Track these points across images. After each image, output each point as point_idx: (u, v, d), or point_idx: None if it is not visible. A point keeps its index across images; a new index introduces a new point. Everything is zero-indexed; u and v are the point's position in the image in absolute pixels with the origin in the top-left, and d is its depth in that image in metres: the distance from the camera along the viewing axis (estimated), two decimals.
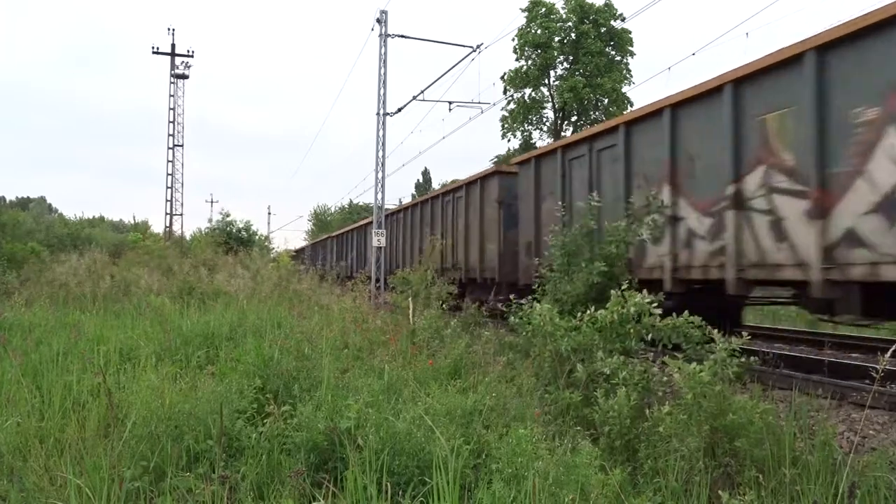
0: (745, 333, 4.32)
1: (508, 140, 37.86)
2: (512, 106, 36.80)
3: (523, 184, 12.36)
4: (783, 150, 6.56)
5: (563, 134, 35.36)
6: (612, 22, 34.68)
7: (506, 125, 37.22)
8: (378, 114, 21.11)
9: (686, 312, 5.02)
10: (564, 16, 34.90)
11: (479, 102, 22.83)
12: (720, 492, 3.22)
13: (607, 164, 9.35)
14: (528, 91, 36.43)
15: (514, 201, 12.89)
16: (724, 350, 4.05)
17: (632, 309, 5.15)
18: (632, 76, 35.55)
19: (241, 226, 29.19)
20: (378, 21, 20.75)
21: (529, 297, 6.99)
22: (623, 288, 5.33)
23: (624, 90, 34.74)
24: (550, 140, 35.24)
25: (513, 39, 35.65)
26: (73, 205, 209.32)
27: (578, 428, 4.45)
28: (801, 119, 6.30)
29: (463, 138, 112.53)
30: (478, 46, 20.41)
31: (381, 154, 21.18)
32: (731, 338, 4.22)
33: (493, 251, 13.77)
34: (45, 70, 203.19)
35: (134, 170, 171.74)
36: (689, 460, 3.59)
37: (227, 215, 29.37)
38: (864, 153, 5.70)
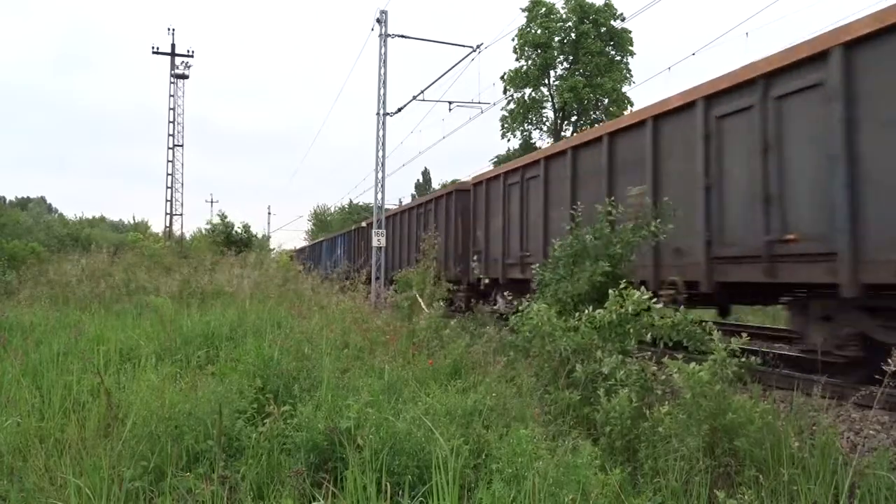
0: (744, 334, 4.32)
1: (508, 140, 37.93)
2: (512, 106, 36.82)
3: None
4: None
5: (562, 134, 35.37)
6: (612, 22, 34.68)
7: (506, 125, 37.22)
8: (378, 114, 21.10)
9: (682, 309, 5.03)
10: (564, 16, 34.90)
11: (479, 102, 22.82)
12: (716, 491, 3.23)
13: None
14: (528, 91, 36.45)
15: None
16: (724, 350, 4.06)
17: (630, 307, 5.15)
18: (632, 76, 35.60)
19: (239, 228, 29.59)
20: (378, 21, 20.75)
21: (528, 297, 6.98)
22: (621, 287, 5.33)
23: (624, 90, 34.76)
24: (551, 140, 35.26)
25: (513, 39, 35.71)
26: (73, 205, 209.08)
27: (579, 428, 4.46)
28: None
29: (463, 138, 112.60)
30: (478, 46, 20.41)
31: (381, 154, 21.18)
32: (730, 338, 4.22)
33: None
34: (45, 70, 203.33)
35: (134, 170, 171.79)
36: (688, 460, 3.59)
37: (225, 217, 29.72)
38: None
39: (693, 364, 4.02)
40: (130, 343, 6.74)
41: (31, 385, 4.95)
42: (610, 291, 5.37)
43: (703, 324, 4.77)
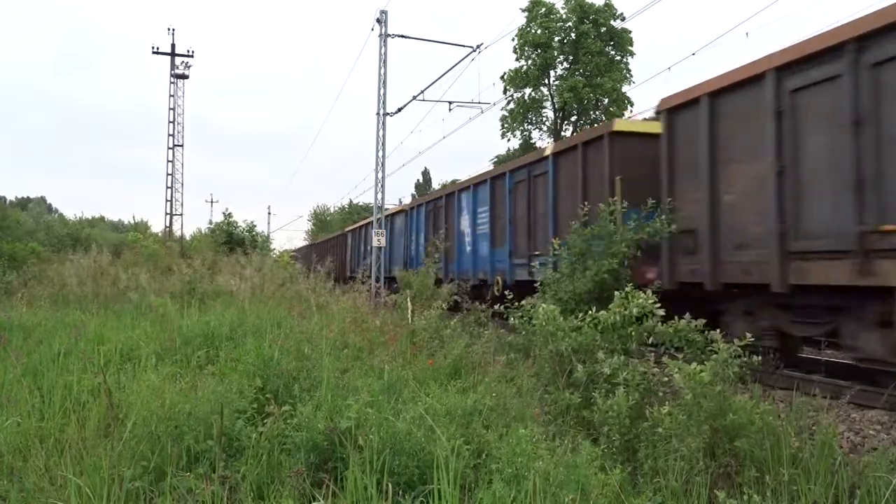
0: (748, 335, 4.32)
1: (508, 140, 37.94)
2: (512, 106, 36.82)
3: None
4: None
5: (562, 134, 35.37)
6: (612, 22, 34.68)
7: (506, 125, 37.23)
8: (378, 114, 21.11)
9: (687, 315, 5.01)
10: (564, 16, 34.90)
11: (479, 102, 22.85)
12: (716, 491, 3.23)
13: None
14: (528, 91, 36.45)
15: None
16: (726, 351, 4.05)
17: (634, 310, 5.15)
18: (632, 76, 35.61)
19: (244, 227, 29.01)
20: (378, 21, 20.76)
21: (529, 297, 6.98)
22: (627, 290, 5.33)
23: (624, 90, 34.77)
24: (551, 140, 35.25)
25: (513, 39, 35.71)
26: (73, 205, 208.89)
27: (579, 428, 4.46)
28: None
29: (463, 138, 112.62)
30: (478, 46, 20.43)
31: (381, 154, 21.19)
32: (734, 339, 4.21)
33: None
34: (45, 70, 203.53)
35: (134, 170, 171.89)
36: (689, 460, 3.59)
37: (230, 216, 29.32)
38: None
39: (694, 364, 4.01)
40: (130, 343, 6.74)
41: (31, 385, 4.94)
42: (616, 293, 5.37)
43: (706, 332, 4.74)
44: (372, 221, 22.18)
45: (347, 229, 30.44)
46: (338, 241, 33.59)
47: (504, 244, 12.61)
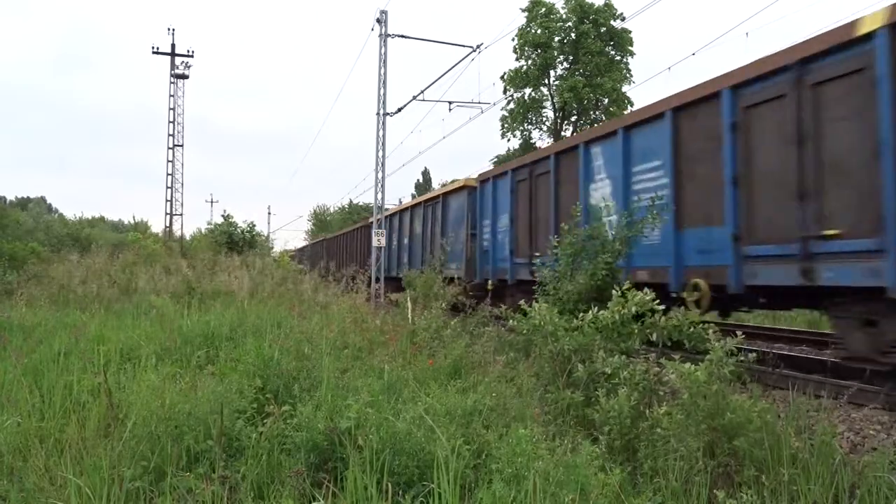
0: (739, 332, 4.32)
1: (508, 140, 37.90)
2: (512, 106, 36.80)
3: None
4: None
5: (562, 134, 35.35)
6: (612, 22, 34.67)
7: (506, 125, 37.22)
8: (378, 114, 21.11)
9: (683, 309, 5.04)
10: (564, 16, 34.89)
11: (479, 102, 22.87)
12: (716, 491, 3.23)
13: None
14: (527, 91, 36.43)
15: None
16: (720, 349, 4.05)
17: (633, 308, 5.16)
18: (632, 76, 35.57)
19: (244, 227, 28.75)
20: (378, 21, 20.76)
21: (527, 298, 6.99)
22: (626, 288, 5.34)
23: (624, 90, 34.75)
24: (550, 140, 35.24)
25: (513, 39, 35.70)
26: (73, 205, 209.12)
27: (579, 428, 4.46)
28: None
29: (463, 138, 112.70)
30: (478, 46, 20.44)
31: (381, 154, 21.19)
32: (727, 337, 4.22)
33: None
34: (45, 70, 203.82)
35: (134, 170, 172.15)
36: (688, 460, 3.59)
37: (230, 217, 29.20)
38: None
39: (689, 364, 4.02)
40: (130, 343, 6.74)
41: (31, 385, 4.94)
42: (613, 292, 5.38)
43: (703, 325, 4.78)
44: (407, 209, 21.00)
45: (371, 220, 26.33)
46: (357, 234, 28.91)
47: (718, 221, 7.28)
